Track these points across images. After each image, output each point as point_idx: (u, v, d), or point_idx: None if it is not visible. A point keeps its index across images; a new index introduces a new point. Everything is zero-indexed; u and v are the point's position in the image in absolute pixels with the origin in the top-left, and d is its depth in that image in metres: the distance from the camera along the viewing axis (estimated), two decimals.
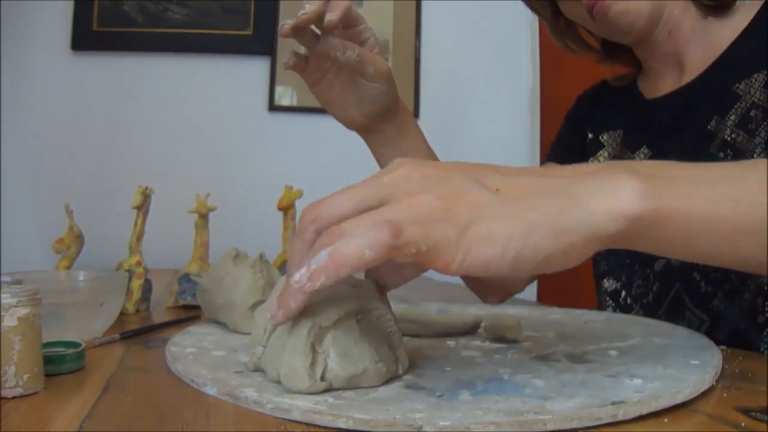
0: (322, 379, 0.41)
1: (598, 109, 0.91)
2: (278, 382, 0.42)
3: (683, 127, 0.77)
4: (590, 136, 0.90)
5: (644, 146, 0.81)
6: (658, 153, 0.79)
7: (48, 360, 0.45)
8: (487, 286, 0.89)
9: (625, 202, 0.37)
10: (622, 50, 0.85)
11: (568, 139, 0.96)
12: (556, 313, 0.72)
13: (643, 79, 0.87)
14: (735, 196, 0.40)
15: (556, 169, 0.41)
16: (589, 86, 0.99)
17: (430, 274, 0.71)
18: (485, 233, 0.36)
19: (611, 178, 0.38)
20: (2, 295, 0.42)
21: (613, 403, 0.38)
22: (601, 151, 0.88)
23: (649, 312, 0.76)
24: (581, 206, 0.37)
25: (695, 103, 0.75)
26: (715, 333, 0.68)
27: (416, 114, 1.75)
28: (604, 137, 0.88)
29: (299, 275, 0.35)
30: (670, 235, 0.40)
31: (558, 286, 1.68)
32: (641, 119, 0.83)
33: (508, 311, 0.74)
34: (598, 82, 0.97)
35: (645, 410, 0.38)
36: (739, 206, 0.40)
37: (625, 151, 0.84)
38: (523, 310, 0.75)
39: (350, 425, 0.36)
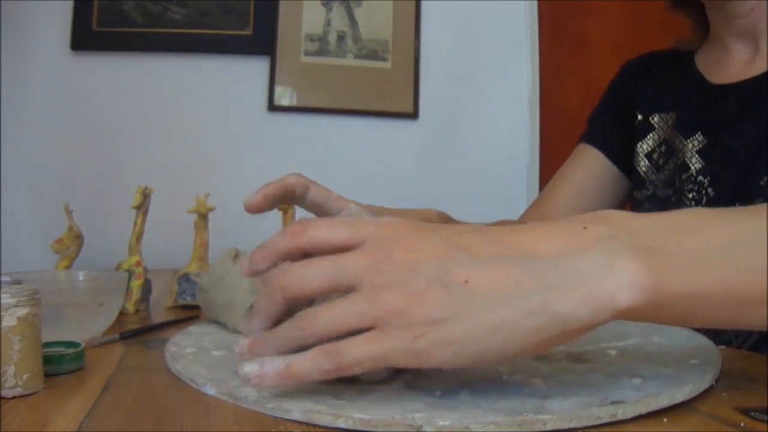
0: None
1: (647, 85, 0.86)
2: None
3: (750, 118, 0.71)
4: (640, 117, 0.84)
5: (699, 132, 0.76)
6: (715, 143, 0.74)
7: (47, 360, 0.45)
8: None
9: (616, 292, 0.33)
10: (695, 8, 0.80)
11: (610, 114, 0.90)
12: None
13: (707, 53, 0.81)
14: (750, 267, 0.35)
15: (549, 239, 0.36)
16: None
17: None
18: (442, 338, 0.35)
19: (608, 259, 0.34)
20: (2, 295, 0.42)
21: (612, 403, 0.38)
22: (651, 134, 0.82)
23: None
24: (559, 302, 0.34)
25: None
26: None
27: (416, 114, 1.75)
28: (655, 119, 0.82)
29: (250, 370, 0.38)
30: (672, 314, 0.36)
31: None
32: (700, 102, 0.77)
33: None
34: (645, 53, 0.90)
35: (644, 410, 0.38)
36: (753, 277, 0.35)
37: (677, 135, 0.78)
38: None
39: (350, 425, 0.36)
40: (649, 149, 0.82)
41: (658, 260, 0.34)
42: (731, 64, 0.76)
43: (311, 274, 0.38)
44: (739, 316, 0.37)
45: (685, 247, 0.35)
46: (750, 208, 0.39)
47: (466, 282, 0.34)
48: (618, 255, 0.34)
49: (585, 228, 0.36)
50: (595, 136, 0.90)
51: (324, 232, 0.39)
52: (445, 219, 0.66)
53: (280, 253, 0.40)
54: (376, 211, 0.56)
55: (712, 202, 0.74)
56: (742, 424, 0.38)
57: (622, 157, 0.87)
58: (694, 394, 0.42)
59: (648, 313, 0.35)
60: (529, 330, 0.34)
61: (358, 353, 0.36)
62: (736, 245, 0.36)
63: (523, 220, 0.89)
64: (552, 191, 0.91)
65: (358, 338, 0.36)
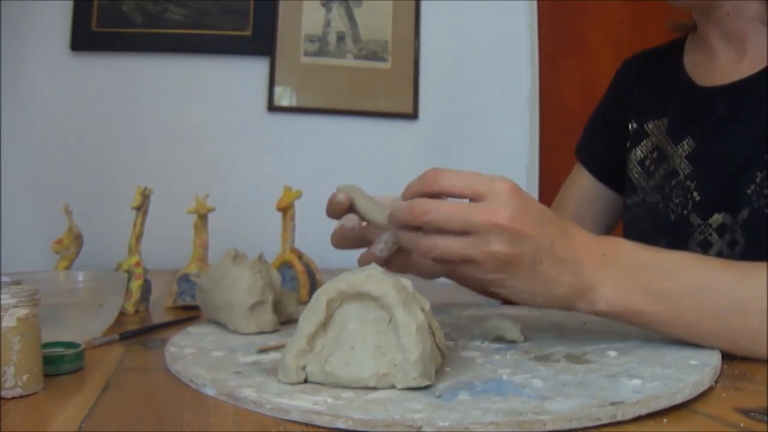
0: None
1: (641, 91, 0.85)
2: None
3: (740, 120, 0.71)
4: (635, 125, 0.84)
5: (688, 137, 0.76)
6: (704, 147, 0.74)
7: (47, 360, 0.45)
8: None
9: (599, 302, 0.52)
10: None
11: (602, 126, 0.91)
12: (555, 314, 0.72)
13: (694, 54, 0.80)
14: (703, 306, 0.52)
15: (586, 252, 0.52)
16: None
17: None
18: (507, 285, 0.51)
19: (605, 279, 0.52)
20: (2, 296, 0.42)
21: (612, 404, 0.38)
22: (645, 141, 0.82)
23: None
24: (573, 298, 0.52)
25: (761, 97, 0.69)
26: None
27: (415, 115, 1.75)
28: (650, 126, 0.82)
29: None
30: (636, 323, 0.54)
31: None
32: (689, 107, 0.77)
33: (507, 312, 0.74)
34: (639, 53, 0.90)
35: (644, 411, 0.38)
36: (704, 318, 0.52)
37: (668, 141, 0.78)
38: (523, 310, 0.75)
39: (349, 425, 0.36)
40: (642, 156, 0.82)
41: (633, 288, 0.52)
42: (717, 65, 0.76)
43: (448, 215, 0.48)
44: (689, 337, 0.53)
45: (661, 283, 0.53)
46: (733, 263, 0.55)
47: (541, 263, 0.49)
48: (608, 281, 0.52)
49: (603, 255, 0.53)
50: (585, 154, 0.92)
51: (452, 182, 0.50)
52: None
53: (415, 194, 0.51)
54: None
55: (698, 207, 0.73)
56: (741, 424, 0.38)
57: (610, 175, 0.88)
58: (694, 394, 0.42)
59: (617, 317, 0.53)
60: (553, 303, 0.52)
61: (457, 267, 0.51)
62: (698, 290, 0.52)
63: None
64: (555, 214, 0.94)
65: (459, 263, 0.50)
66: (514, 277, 0.50)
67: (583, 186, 0.91)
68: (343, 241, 0.64)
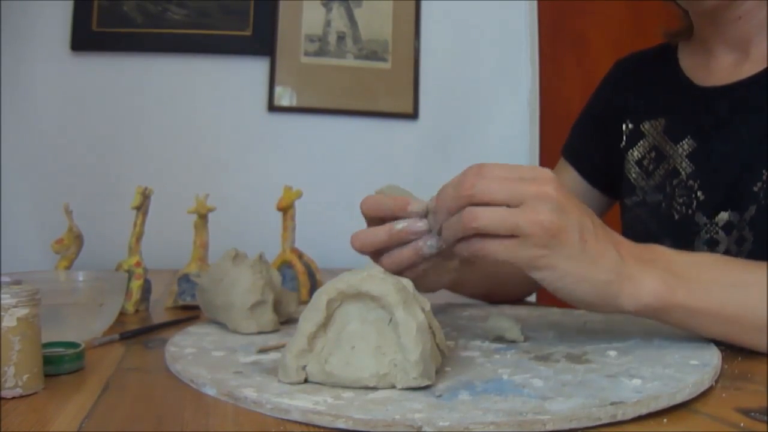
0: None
1: (636, 92, 0.85)
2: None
3: (742, 121, 0.71)
4: (630, 126, 0.84)
5: (688, 137, 0.76)
6: (705, 146, 0.74)
7: (47, 360, 0.45)
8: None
9: (644, 294, 0.50)
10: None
11: (592, 125, 0.91)
12: (555, 314, 0.72)
13: (691, 55, 0.80)
14: (741, 301, 0.52)
15: (629, 247, 0.52)
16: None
17: None
18: (552, 264, 0.48)
19: (647, 273, 0.51)
20: (2, 296, 0.42)
21: (612, 404, 0.38)
22: (641, 141, 0.82)
23: None
24: (618, 287, 0.49)
25: (765, 95, 0.69)
26: None
27: (415, 115, 1.75)
28: (646, 126, 0.82)
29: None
30: (677, 319, 0.52)
31: None
32: (689, 106, 0.77)
33: (507, 312, 0.74)
34: (632, 55, 0.90)
35: (644, 411, 0.38)
36: (742, 309, 0.52)
37: (667, 141, 0.78)
38: (523, 310, 0.75)
39: (350, 425, 0.36)
40: (640, 156, 0.82)
41: (676, 281, 0.51)
42: (717, 67, 0.76)
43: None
44: (728, 334, 0.53)
45: (701, 277, 0.52)
46: (759, 263, 0.55)
47: (586, 242, 0.48)
48: (652, 274, 0.51)
49: (640, 255, 0.52)
50: (573, 153, 0.91)
51: (490, 191, 0.49)
52: None
53: (450, 202, 0.50)
54: None
55: (702, 206, 0.73)
56: (742, 424, 0.38)
57: (598, 175, 0.88)
58: (694, 394, 0.42)
59: (660, 313, 0.52)
60: (597, 292, 0.49)
61: (497, 247, 0.48)
62: (736, 284, 0.53)
63: None
64: None
65: (502, 240, 0.48)
66: (559, 255, 0.48)
67: (567, 185, 0.90)
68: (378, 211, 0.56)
